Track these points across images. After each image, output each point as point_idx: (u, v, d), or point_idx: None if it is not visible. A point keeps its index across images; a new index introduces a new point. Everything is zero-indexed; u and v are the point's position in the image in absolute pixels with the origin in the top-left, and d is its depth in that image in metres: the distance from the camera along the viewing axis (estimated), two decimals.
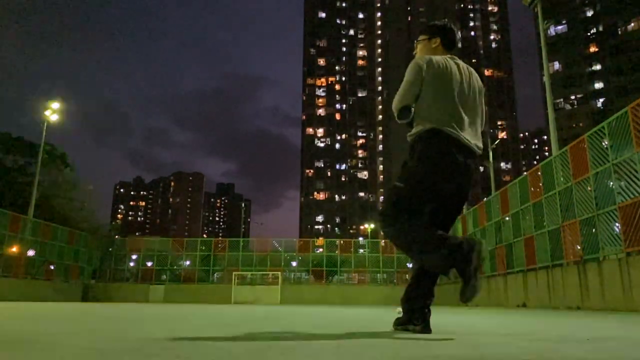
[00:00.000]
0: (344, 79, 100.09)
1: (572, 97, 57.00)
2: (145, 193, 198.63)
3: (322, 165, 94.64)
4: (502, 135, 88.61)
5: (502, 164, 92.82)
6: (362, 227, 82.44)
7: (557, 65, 57.82)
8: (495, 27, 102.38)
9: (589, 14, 58.02)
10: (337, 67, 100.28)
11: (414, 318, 2.53)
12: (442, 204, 2.39)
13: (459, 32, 2.79)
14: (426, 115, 2.40)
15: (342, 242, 30.71)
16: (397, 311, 2.77)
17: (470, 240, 2.14)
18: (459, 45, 2.80)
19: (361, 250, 29.10)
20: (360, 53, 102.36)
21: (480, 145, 2.48)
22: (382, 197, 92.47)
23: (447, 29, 2.70)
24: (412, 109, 2.44)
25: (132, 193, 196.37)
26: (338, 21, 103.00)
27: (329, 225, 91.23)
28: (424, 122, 2.39)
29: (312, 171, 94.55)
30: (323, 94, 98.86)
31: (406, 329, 2.55)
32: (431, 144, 2.35)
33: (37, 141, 25.26)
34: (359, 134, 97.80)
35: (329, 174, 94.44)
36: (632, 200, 8.36)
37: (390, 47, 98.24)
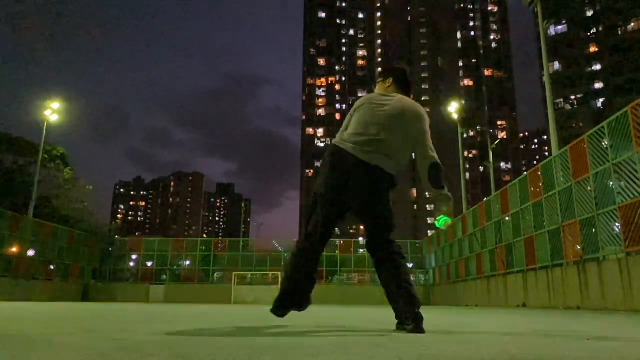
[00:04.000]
0: (344, 79, 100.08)
1: (572, 97, 56.99)
2: (145, 193, 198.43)
3: None
4: (502, 135, 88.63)
5: (502, 164, 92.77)
6: (362, 227, 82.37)
7: (557, 65, 57.81)
8: (495, 27, 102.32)
9: (589, 14, 58.02)
10: (337, 67, 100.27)
11: (404, 318, 2.58)
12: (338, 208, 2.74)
13: (411, 73, 3.19)
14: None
15: (342, 242, 30.70)
16: None
17: (306, 301, 2.80)
18: (414, 80, 3.14)
19: (361, 250, 29.09)
20: (360, 53, 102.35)
21: (391, 165, 2.72)
22: None
23: (397, 70, 3.11)
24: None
25: (132, 193, 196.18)
26: (338, 21, 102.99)
27: None
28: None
29: (312, 171, 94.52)
30: (323, 94, 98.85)
31: (403, 328, 2.59)
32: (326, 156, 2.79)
33: (37, 141, 25.26)
34: None
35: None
36: (632, 200, 8.36)
37: (391, 48, 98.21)
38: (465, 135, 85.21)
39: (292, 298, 2.78)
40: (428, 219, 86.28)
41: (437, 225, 2.86)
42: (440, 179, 2.76)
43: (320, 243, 2.74)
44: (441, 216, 2.84)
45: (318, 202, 2.73)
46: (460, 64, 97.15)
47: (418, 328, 2.48)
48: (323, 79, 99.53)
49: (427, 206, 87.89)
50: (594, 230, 9.72)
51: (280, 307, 2.79)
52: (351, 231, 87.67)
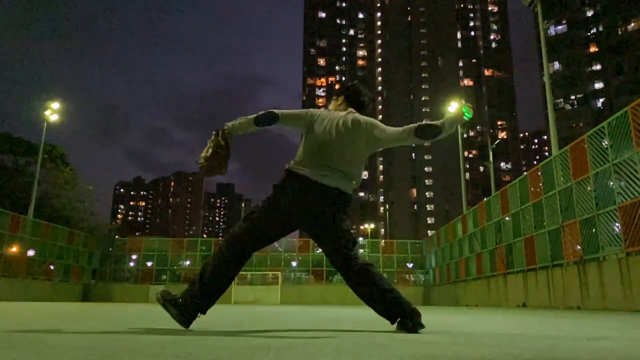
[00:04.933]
0: (344, 79, 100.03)
1: (572, 97, 56.96)
2: (145, 193, 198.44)
3: None
4: (502, 135, 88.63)
5: (502, 164, 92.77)
6: (362, 227, 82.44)
7: (557, 65, 57.78)
8: (495, 27, 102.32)
9: (589, 14, 58.00)
10: (337, 67, 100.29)
11: (402, 317, 2.60)
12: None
13: (366, 94, 3.05)
14: (293, 158, 2.76)
15: None
16: None
17: (188, 319, 2.58)
18: (370, 100, 3.07)
19: (361, 250, 29.09)
20: (360, 53, 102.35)
21: (342, 184, 2.69)
22: (382, 197, 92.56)
23: (350, 89, 3.05)
24: (277, 122, 2.77)
25: (132, 193, 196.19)
26: (338, 21, 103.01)
27: None
28: (289, 163, 2.76)
29: None
30: (323, 94, 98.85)
31: (404, 326, 2.59)
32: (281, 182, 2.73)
33: (37, 141, 25.26)
34: None
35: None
36: (632, 200, 8.36)
37: (390, 47, 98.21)
38: (465, 135, 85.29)
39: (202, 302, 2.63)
40: (428, 219, 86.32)
41: (468, 117, 2.67)
42: (430, 126, 2.67)
43: (243, 256, 2.69)
44: (463, 108, 2.68)
45: (261, 216, 2.68)
46: (460, 64, 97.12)
47: (419, 324, 2.52)
48: (323, 79, 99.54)
49: (427, 206, 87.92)
50: (594, 230, 9.72)
51: (189, 313, 2.60)
52: (351, 231, 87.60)
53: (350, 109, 2.89)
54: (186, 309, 2.58)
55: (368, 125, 2.78)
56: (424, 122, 2.82)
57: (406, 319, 2.56)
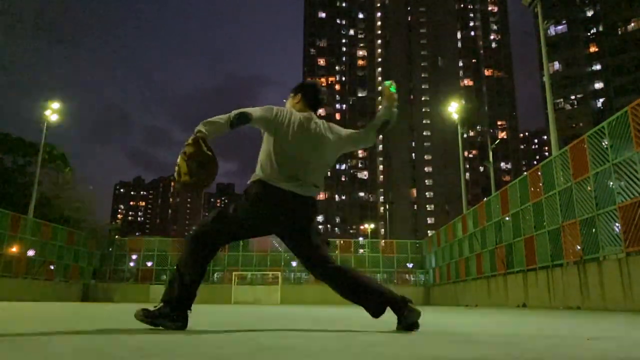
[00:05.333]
0: (344, 78, 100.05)
1: (572, 97, 56.95)
2: (145, 193, 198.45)
3: None
4: (502, 135, 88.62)
5: (502, 164, 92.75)
6: (362, 227, 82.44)
7: (557, 65, 57.76)
8: (495, 27, 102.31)
9: (589, 14, 57.99)
10: (337, 67, 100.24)
11: (393, 304, 2.63)
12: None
13: (324, 93, 2.98)
14: (261, 166, 2.70)
15: (342, 242, 30.73)
16: None
17: (182, 321, 2.57)
18: (327, 101, 3.09)
19: (361, 250, 29.11)
20: (360, 53, 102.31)
21: (309, 191, 2.72)
22: (382, 197, 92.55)
23: (307, 86, 2.98)
24: (249, 123, 2.67)
25: (132, 193, 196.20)
26: (338, 21, 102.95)
27: (328, 225, 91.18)
28: (259, 171, 2.69)
29: None
30: None
31: (403, 318, 2.63)
32: (258, 194, 2.66)
33: (37, 141, 25.26)
34: None
35: (328, 173, 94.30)
36: (632, 200, 8.36)
37: (390, 47, 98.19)
38: (465, 135, 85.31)
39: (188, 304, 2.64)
40: (428, 219, 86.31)
41: (393, 90, 2.87)
42: (384, 123, 2.88)
43: (212, 250, 2.70)
44: (391, 88, 2.87)
45: (235, 222, 2.67)
46: (460, 64, 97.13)
47: (415, 312, 2.58)
48: (323, 79, 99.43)
49: (427, 206, 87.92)
50: (594, 230, 9.72)
51: (181, 317, 2.59)
52: (351, 231, 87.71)
53: (310, 112, 2.87)
54: (176, 315, 2.59)
55: (334, 131, 2.85)
56: (375, 120, 2.89)
57: (397, 305, 2.60)
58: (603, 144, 9.39)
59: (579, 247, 10.31)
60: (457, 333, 2.59)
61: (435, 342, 2.00)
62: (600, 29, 56.36)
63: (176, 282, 2.63)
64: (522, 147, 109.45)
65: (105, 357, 1.41)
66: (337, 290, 2.78)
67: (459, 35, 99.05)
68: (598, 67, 56.14)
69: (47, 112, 23.67)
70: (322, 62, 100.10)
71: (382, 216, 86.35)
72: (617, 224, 8.98)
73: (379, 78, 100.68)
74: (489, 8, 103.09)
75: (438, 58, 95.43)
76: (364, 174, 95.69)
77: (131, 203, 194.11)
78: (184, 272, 2.63)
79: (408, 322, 2.56)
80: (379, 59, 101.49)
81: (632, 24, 53.36)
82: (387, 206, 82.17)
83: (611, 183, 9.08)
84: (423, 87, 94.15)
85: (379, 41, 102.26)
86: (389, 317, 2.68)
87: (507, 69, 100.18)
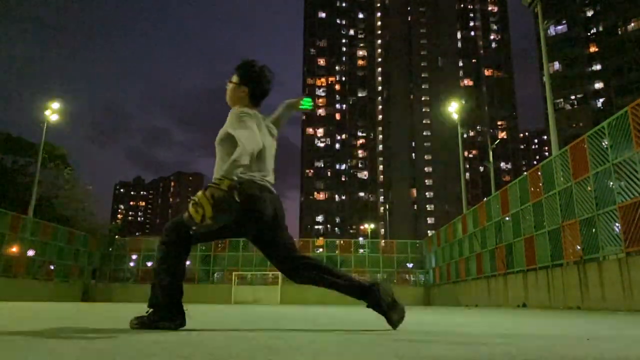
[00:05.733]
0: (344, 79, 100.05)
1: (572, 97, 56.94)
2: (145, 193, 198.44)
3: (322, 165, 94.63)
4: (502, 135, 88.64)
5: (502, 164, 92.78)
6: (362, 227, 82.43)
7: (557, 65, 57.76)
8: (495, 27, 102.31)
9: (589, 14, 57.98)
10: (337, 67, 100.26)
11: (381, 305, 2.67)
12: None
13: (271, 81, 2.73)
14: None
15: (342, 242, 30.72)
16: None
17: (181, 318, 2.57)
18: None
19: (361, 250, 29.09)
20: (360, 53, 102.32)
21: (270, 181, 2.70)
22: (382, 197, 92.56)
23: (260, 79, 2.64)
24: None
25: (132, 193, 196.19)
26: (338, 21, 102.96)
27: (329, 225, 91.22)
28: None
29: (312, 171, 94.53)
30: (323, 94, 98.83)
31: (387, 316, 2.68)
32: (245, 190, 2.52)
33: (37, 141, 25.27)
34: (359, 134, 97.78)
35: (329, 174, 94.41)
36: (632, 200, 8.36)
37: (390, 47, 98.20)
38: (465, 135, 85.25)
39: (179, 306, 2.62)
40: (428, 219, 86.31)
41: (306, 107, 2.90)
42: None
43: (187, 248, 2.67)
44: (304, 101, 2.90)
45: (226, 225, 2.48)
46: (460, 64, 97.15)
47: (398, 305, 2.67)
48: (323, 79, 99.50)
49: (427, 206, 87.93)
50: (594, 230, 9.72)
51: (177, 318, 2.58)
52: (351, 231, 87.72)
53: (256, 108, 2.69)
54: (173, 314, 2.58)
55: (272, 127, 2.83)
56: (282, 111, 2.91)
57: (372, 289, 2.64)
58: (603, 144, 9.40)
59: (579, 247, 10.31)
60: (457, 333, 2.59)
61: (435, 342, 2.00)
62: (600, 29, 56.34)
63: (169, 282, 2.60)
64: (522, 147, 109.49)
65: (106, 357, 1.41)
66: (317, 285, 2.80)
67: (459, 35, 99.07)
68: (598, 67, 56.12)
69: (47, 112, 23.67)
70: (322, 62, 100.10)
71: (382, 216, 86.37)
72: (617, 224, 8.98)
73: (379, 78, 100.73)
74: (489, 8, 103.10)
75: (438, 58, 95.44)
76: (364, 174, 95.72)
77: (131, 203, 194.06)
78: (177, 272, 2.62)
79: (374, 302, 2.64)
80: (379, 59, 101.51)
81: (632, 24, 53.34)
82: (387, 206, 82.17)
83: (611, 183, 9.08)
84: (423, 87, 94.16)
85: (379, 41, 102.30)
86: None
87: (507, 69, 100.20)
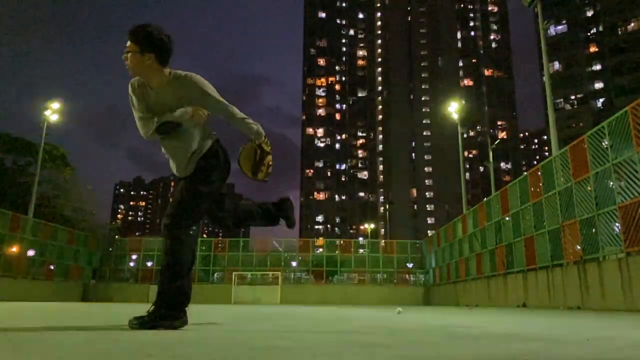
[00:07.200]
0: (344, 79, 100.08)
1: (572, 97, 56.95)
2: (145, 193, 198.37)
3: (322, 165, 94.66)
4: (502, 135, 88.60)
5: (502, 164, 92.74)
6: (362, 227, 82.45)
7: (557, 65, 57.76)
8: (495, 27, 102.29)
9: (589, 14, 57.99)
10: (337, 67, 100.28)
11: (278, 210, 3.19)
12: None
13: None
14: (209, 130, 2.87)
15: (342, 242, 30.73)
16: (397, 311, 2.77)
17: (183, 317, 2.65)
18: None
19: (361, 250, 29.09)
20: (360, 53, 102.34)
21: None
22: (382, 197, 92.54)
23: (163, 44, 2.55)
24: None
25: (132, 193, 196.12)
26: (338, 21, 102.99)
27: (329, 225, 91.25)
28: (210, 136, 2.85)
29: (312, 171, 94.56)
30: (323, 94, 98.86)
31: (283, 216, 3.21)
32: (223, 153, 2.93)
33: (37, 141, 25.26)
34: (359, 134, 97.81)
35: (329, 174, 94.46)
36: (632, 200, 8.36)
37: (390, 47, 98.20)
38: (465, 135, 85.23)
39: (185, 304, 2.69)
40: (428, 219, 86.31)
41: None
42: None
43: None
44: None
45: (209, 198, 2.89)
46: (460, 64, 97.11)
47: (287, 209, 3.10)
48: (323, 79, 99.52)
49: (427, 206, 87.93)
50: (594, 230, 9.72)
51: (180, 318, 2.62)
52: (351, 231, 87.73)
53: (167, 67, 2.64)
54: (175, 312, 2.58)
55: None
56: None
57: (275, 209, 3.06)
58: (603, 144, 9.40)
59: (579, 247, 10.31)
60: (457, 333, 2.59)
61: (435, 342, 2.00)
62: (600, 29, 56.34)
63: (178, 278, 2.62)
64: (522, 147, 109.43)
65: (105, 357, 1.41)
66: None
67: (459, 35, 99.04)
68: (598, 67, 56.14)
69: (47, 112, 23.66)
70: (322, 62, 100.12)
71: (382, 216, 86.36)
72: (617, 224, 8.98)
73: (379, 78, 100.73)
74: (489, 8, 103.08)
75: (438, 58, 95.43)
76: (364, 174, 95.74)
77: (131, 203, 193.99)
78: (185, 266, 2.71)
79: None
80: (379, 59, 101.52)
81: (632, 24, 53.35)
82: (387, 206, 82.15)
83: (611, 183, 9.08)
84: (423, 87, 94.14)
85: (379, 41, 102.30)
86: (390, 317, 2.68)
87: (507, 69, 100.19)
